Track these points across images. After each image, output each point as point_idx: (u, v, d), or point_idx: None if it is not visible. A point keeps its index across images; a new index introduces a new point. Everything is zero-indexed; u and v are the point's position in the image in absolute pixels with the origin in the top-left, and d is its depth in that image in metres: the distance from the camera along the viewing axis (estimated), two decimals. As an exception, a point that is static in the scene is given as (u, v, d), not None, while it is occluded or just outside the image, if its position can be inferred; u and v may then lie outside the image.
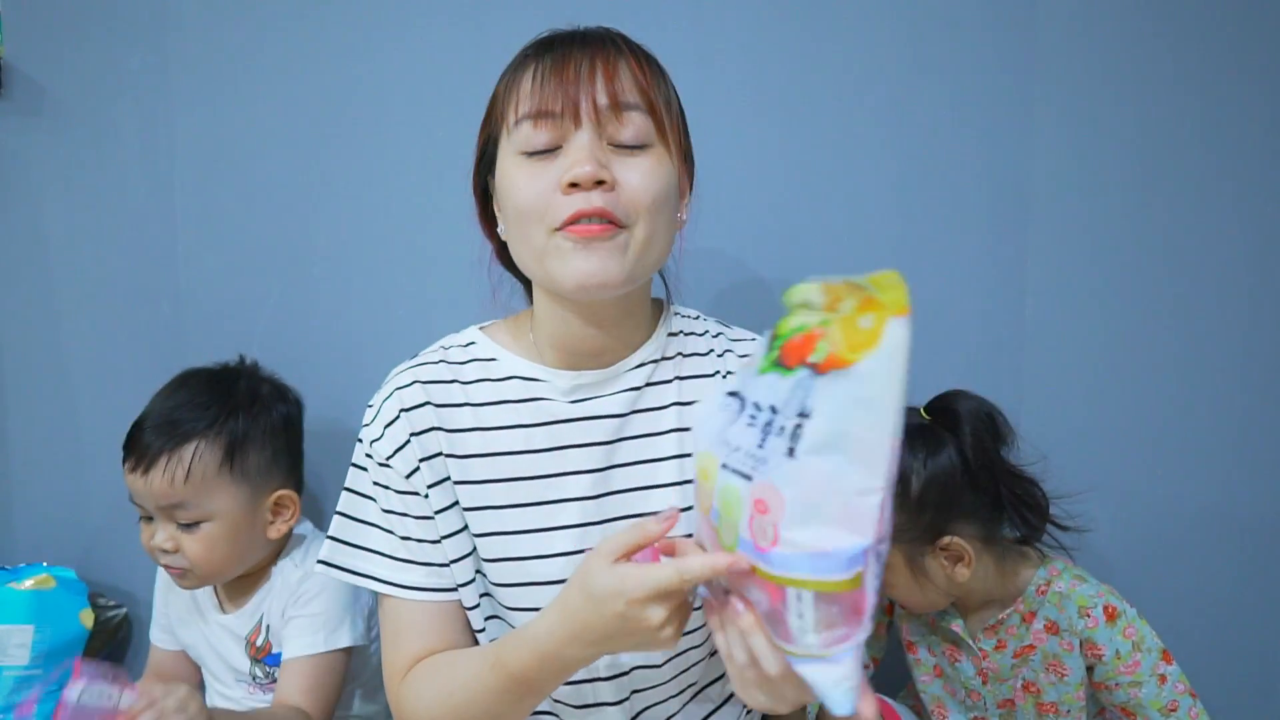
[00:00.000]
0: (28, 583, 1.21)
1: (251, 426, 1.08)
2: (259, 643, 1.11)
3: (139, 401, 1.29)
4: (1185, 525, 1.10)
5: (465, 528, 0.83)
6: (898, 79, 1.18)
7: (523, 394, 0.85)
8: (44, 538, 1.33)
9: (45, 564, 1.27)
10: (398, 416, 0.83)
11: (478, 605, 0.83)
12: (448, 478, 0.83)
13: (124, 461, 1.05)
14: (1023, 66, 1.17)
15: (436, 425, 0.83)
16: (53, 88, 1.27)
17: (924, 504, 0.97)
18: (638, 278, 0.79)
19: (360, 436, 0.85)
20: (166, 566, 1.07)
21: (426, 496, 0.82)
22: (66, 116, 1.27)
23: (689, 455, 0.84)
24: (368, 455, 0.84)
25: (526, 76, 0.78)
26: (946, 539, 0.98)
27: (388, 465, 0.82)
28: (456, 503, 0.83)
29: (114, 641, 1.31)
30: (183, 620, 1.17)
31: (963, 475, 0.97)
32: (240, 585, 1.13)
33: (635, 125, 0.77)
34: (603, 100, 0.75)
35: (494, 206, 0.84)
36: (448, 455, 0.83)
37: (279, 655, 1.10)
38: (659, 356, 0.87)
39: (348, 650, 1.10)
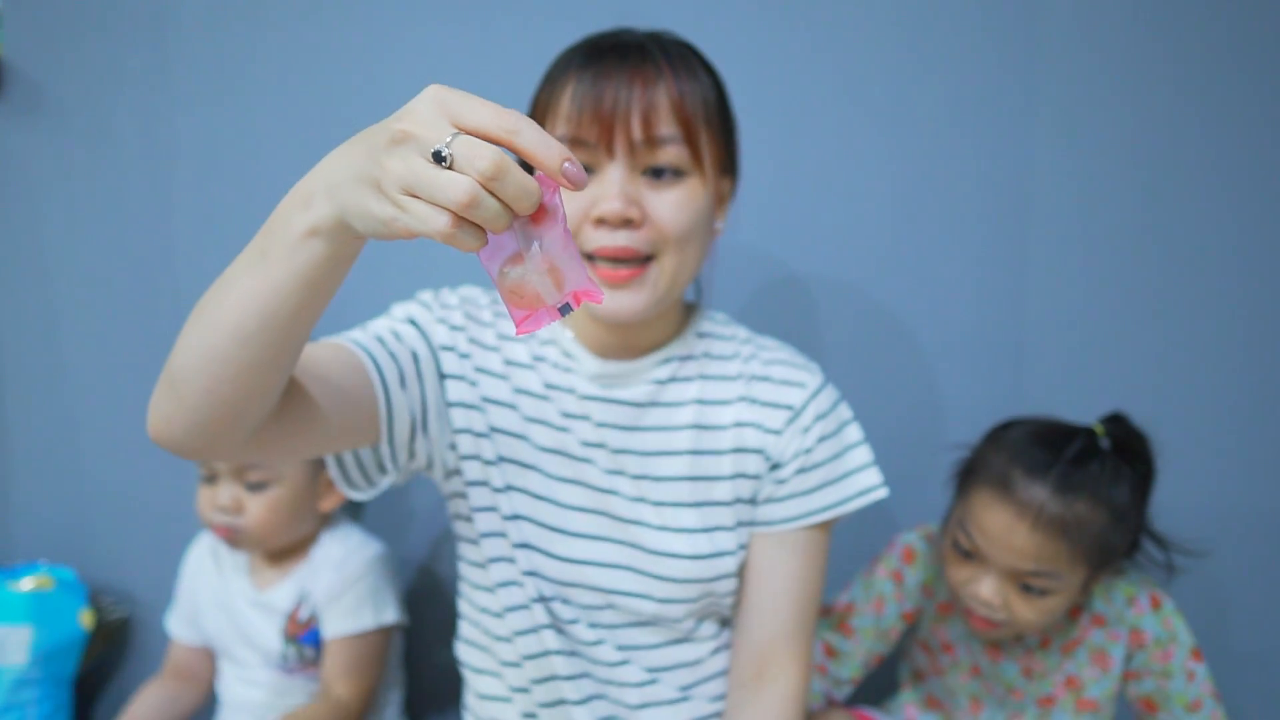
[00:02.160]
0: (26, 583, 1.21)
1: None
2: (302, 617, 1.12)
3: (139, 401, 1.28)
4: (1185, 523, 1.10)
5: (487, 434, 0.86)
6: (897, 79, 1.18)
7: (558, 360, 0.89)
8: (43, 538, 1.33)
9: (44, 564, 1.27)
10: (458, 303, 0.90)
11: (494, 508, 0.87)
12: (479, 393, 0.86)
13: None
14: (1022, 68, 1.17)
15: (480, 341, 0.88)
16: (53, 88, 1.26)
17: (1120, 535, 0.98)
18: (667, 300, 0.82)
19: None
20: (222, 527, 1.10)
21: (443, 377, 0.85)
22: (66, 116, 1.27)
23: (702, 453, 0.87)
24: (423, 296, 0.90)
25: (566, 96, 0.78)
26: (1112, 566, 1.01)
27: (438, 304, 0.89)
28: (486, 435, 0.87)
29: (114, 642, 1.31)
30: (208, 608, 1.18)
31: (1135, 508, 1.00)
32: (278, 561, 1.16)
33: (670, 155, 0.77)
34: (637, 135, 0.76)
35: None
36: (481, 370, 0.87)
37: (317, 633, 1.12)
38: (685, 354, 0.89)
39: (389, 631, 1.15)
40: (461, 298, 0.91)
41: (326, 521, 1.18)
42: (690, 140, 0.78)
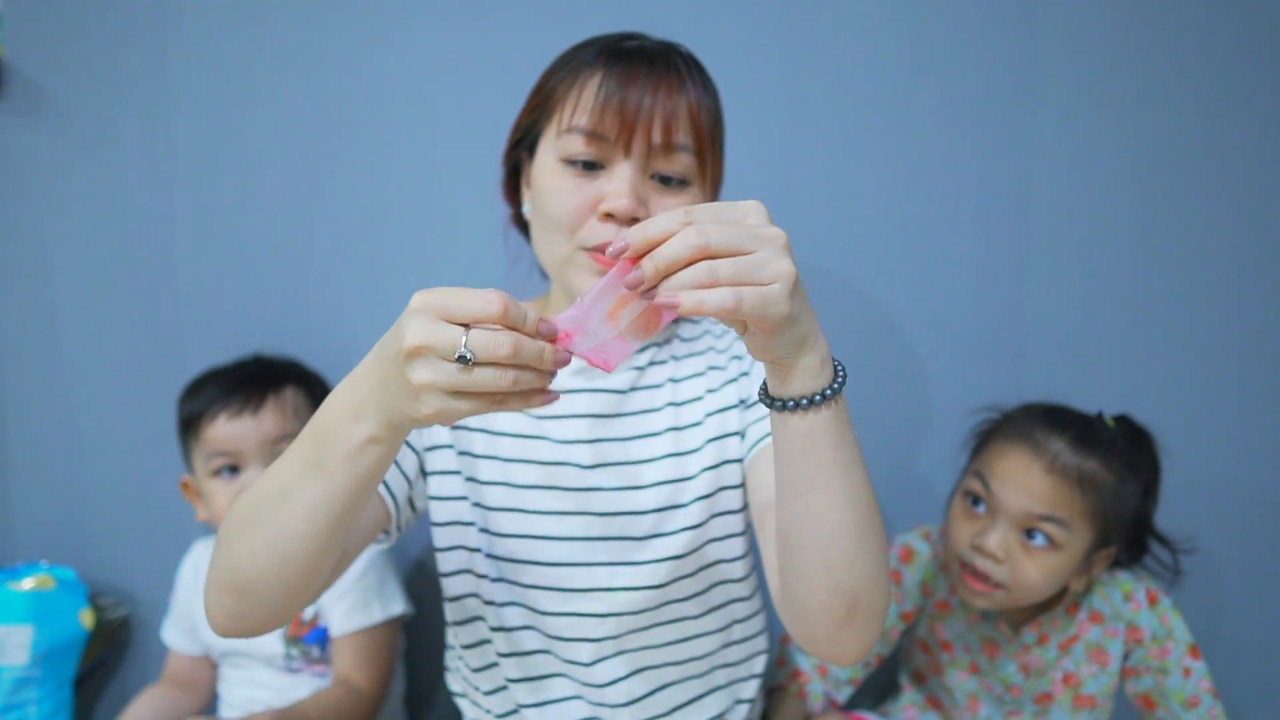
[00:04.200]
0: (27, 583, 1.21)
1: (313, 385, 1.17)
2: (305, 616, 1.13)
3: (139, 402, 1.29)
4: (1183, 523, 1.10)
5: (464, 497, 0.87)
6: (896, 79, 1.18)
7: None
8: (44, 538, 1.33)
9: (45, 564, 1.27)
10: None
11: (465, 572, 0.88)
12: (454, 434, 0.88)
13: (217, 415, 1.09)
14: (1022, 68, 1.17)
15: None
16: (53, 88, 1.26)
17: (1124, 509, 1.00)
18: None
19: None
20: None
21: (423, 459, 0.88)
22: (66, 116, 1.27)
23: (681, 428, 0.88)
24: None
25: (590, 89, 0.79)
26: (1112, 549, 1.03)
27: None
28: (458, 472, 0.88)
29: (114, 642, 1.31)
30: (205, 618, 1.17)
31: (1143, 501, 1.03)
32: None
33: (681, 164, 0.80)
34: (657, 140, 0.78)
35: (522, 181, 0.89)
36: None
37: (321, 631, 1.12)
38: (664, 339, 0.92)
39: (396, 621, 1.16)
40: None
41: None
42: (700, 152, 0.80)
